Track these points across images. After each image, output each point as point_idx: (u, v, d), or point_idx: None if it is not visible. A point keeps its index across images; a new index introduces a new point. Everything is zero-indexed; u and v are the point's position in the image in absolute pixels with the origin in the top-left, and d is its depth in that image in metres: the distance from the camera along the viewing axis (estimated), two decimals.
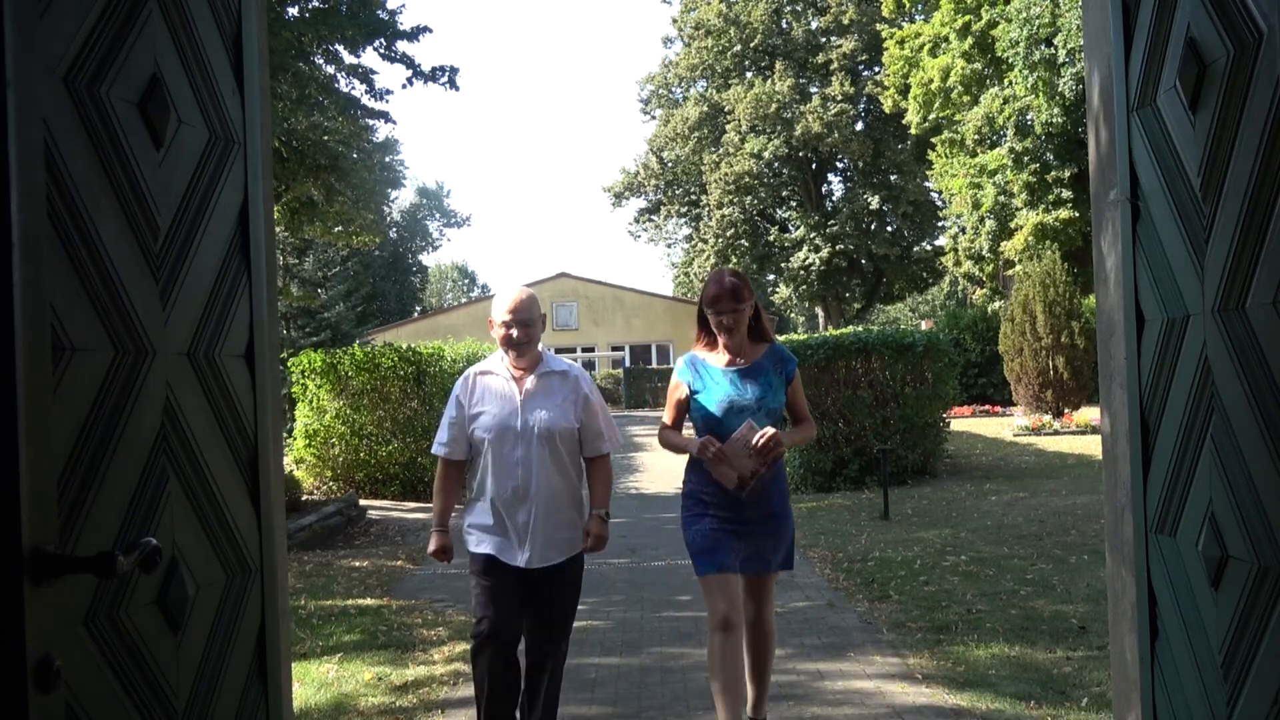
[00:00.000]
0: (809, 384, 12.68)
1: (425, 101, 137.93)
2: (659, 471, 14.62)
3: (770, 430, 3.82)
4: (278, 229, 14.39)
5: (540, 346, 4.01)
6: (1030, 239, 26.37)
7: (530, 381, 3.90)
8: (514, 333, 3.86)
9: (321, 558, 9.50)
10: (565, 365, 4.04)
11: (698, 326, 4.14)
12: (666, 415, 4.18)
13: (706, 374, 4.03)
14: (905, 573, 7.68)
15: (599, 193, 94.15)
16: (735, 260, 39.49)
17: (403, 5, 13.40)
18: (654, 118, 44.07)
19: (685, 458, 4.07)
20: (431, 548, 3.99)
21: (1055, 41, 24.30)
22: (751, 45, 40.00)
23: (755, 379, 3.98)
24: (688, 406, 4.08)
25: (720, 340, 4.01)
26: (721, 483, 3.86)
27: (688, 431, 4.14)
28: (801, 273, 39.69)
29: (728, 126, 39.39)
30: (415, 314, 52.49)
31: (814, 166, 40.98)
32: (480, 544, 3.90)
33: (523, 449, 3.84)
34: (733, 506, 3.91)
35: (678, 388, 4.11)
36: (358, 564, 9.08)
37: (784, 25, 40.41)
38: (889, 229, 40.28)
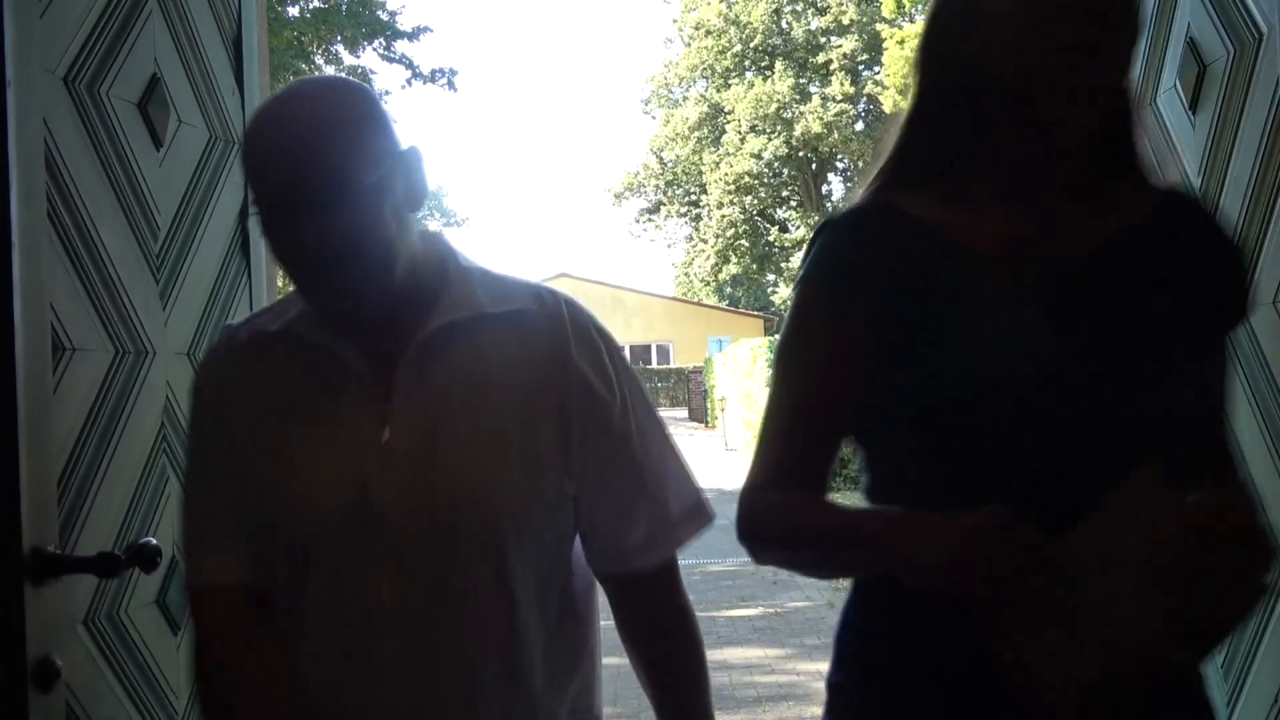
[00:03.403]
0: None
1: (425, 102, 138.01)
2: None
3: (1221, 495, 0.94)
4: None
5: (443, 243, 1.20)
6: None
7: (413, 356, 1.11)
8: (305, 228, 1.02)
9: None
10: (524, 296, 1.17)
11: (906, 133, 1.08)
12: (774, 442, 1.08)
13: (936, 280, 0.99)
14: None
15: (599, 193, 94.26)
16: (735, 260, 39.46)
17: (403, 5, 13.39)
18: (654, 118, 44.06)
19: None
20: None
21: None
22: (751, 45, 40.01)
23: (1133, 295, 0.99)
24: (849, 400, 1.03)
25: (1011, 160, 1.01)
26: (1018, 683, 0.91)
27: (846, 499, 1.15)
28: None
29: (728, 126, 39.39)
30: None
31: (814, 166, 40.97)
32: None
33: (382, 570, 1.11)
34: None
35: (827, 329, 1.03)
36: None
37: (784, 25, 40.41)
38: None
